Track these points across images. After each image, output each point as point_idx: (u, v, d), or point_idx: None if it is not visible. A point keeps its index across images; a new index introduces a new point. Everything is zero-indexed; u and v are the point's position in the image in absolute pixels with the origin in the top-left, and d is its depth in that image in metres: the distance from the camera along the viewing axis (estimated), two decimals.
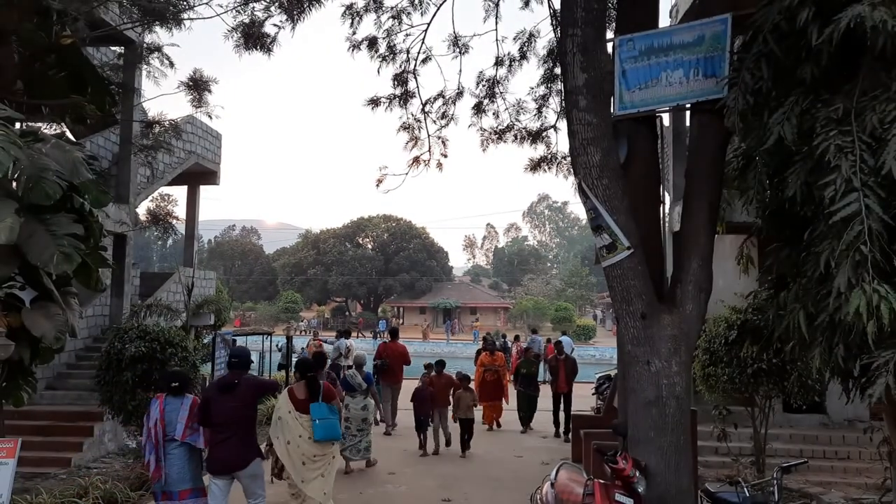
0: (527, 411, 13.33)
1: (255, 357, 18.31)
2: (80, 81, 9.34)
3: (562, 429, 12.61)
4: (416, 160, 11.34)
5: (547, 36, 14.84)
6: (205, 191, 24.40)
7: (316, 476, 7.06)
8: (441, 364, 11.76)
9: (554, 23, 9.80)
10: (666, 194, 9.33)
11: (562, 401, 12.70)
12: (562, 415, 12.67)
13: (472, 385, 12.11)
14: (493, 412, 13.48)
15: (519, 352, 19.97)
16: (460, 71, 13.32)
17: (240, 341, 16.65)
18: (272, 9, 9.63)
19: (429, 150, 11.39)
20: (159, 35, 11.13)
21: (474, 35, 11.09)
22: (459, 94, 11.46)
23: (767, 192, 4.99)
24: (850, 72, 4.34)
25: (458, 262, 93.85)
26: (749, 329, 7.47)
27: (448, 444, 11.16)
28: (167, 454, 6.04)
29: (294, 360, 17.69)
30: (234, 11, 9.68)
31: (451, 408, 11.41)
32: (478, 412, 12.76)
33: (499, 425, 13.48)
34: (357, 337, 17.65)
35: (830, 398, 10.07)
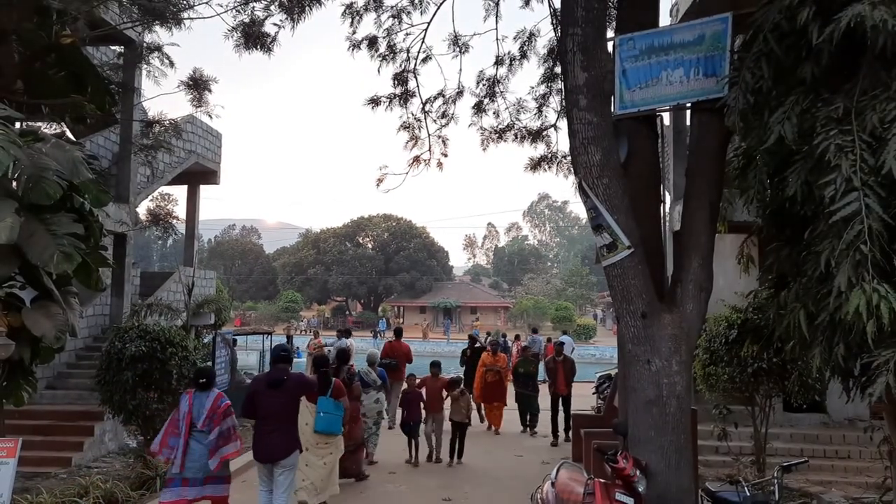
0: (526, 412, 13.06)
1: (254, 357, 18.36)
2: (80, 81, 9.34)
3: (561, 427, 12.28)
4: (417, 159, 11.33)
5: (547, 35, 14.90)
6: (205, 190, 24.41)
7: (318, 463, 7.71)
8: (436, 365, 10.92)
9: (554, 22, 9.79)
10: (666, 193, 9.33)
11: (560, 403, 12.37)
12: (561, 415, 12.33)
13: (463, 387, 11.10)
14: (496, 413, 13.18)
15: (519, 351, 19.91)
16: (460, 70, 13.37)
17: (240, 341, 16.67)
18: (272, 8, 9.63)
19: (429, 150, 11.40)
20: (159, 34, 11.12)
21: (474, 34, 11.10)
22: (460, 93, 11.46)
23: (768, 192, 4.99)
24: (851, 71, 4.34)
25: (459, 261, 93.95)
26: (749, 328, 7.48)
27: (434, 458, 10.35)
28: (197, 443, 6.49)
29: (295, 359, 17.73)
30: (234, 11, 9.69)
31: (446, 412, 10.62)
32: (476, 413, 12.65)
33: (497, 433, 13.10)
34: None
35: (831, 397, 10.06)
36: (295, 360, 17.49)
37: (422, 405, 10.37)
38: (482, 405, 13.45)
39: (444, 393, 10.73)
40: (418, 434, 10.29)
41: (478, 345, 14.76)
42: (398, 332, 14.19)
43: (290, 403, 6.69)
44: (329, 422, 7.66)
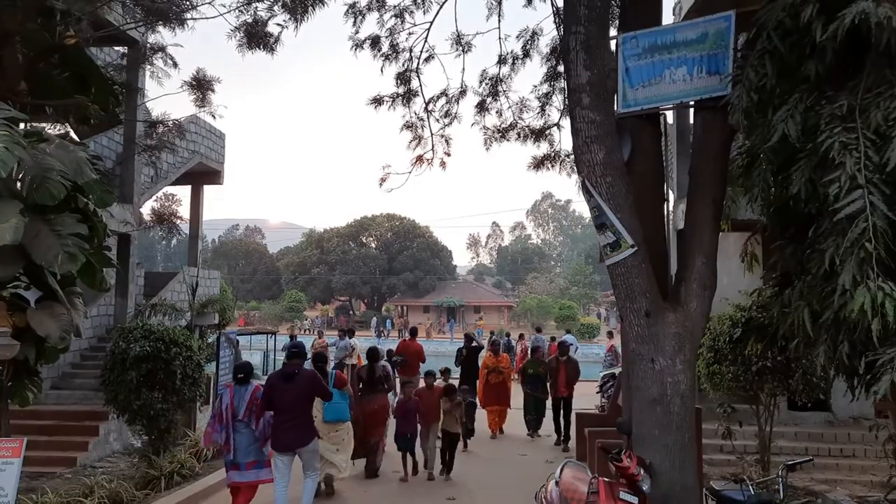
0: (534, 414, 12.67)
1: (258, 357, 18.39)
2: (84, 82, 9.38)
3: (562, 436, 11.98)
4: (420, 159, 11.32)
5: (550, 34, 14.91)
6: (209, 190, 24.45)
7: (332, 448, 8.29)
8: (430, 375, 10.08)
9: (557, 21, 9.79)
10: (670, 192, 9.31)
11: (561, 406, 12.03)
12: (562, 421, 12.01)
13: (460, 396, 10.15)
14: (498, 418, 12.92)
15: (524, 350, 19.82)
16: (463, 69, 13.28)
17: (243, 341, 16.70)
18: (275, 8, 9.65)
19: (432, 149, 11.39)
20: (163, 35, 11.14)
21: (477, 33, 11.09)
22: (462, 92, 11.45)
23: (772, 190, 4.98)
24: (855, 68, 4.33)
25: (462, 260, 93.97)
26: (753, 327, 7.47)
27: (426, 465, 9.55)
28: (236, 432, 6.96)
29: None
30: (237, 11, 9.71)
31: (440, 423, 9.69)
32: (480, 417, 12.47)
33: (501, 431, 12.93)
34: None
35: (835, 396, 10.04)
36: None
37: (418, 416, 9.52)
38: (485, 409, 13.00)
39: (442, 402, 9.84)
40: (414, 448, 9.48)
41: (474, 344, 14.28)
42: (413, 332, 14.39)
43: (303, 395, 7.10)
44: (337, 410, 8.27)
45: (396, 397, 11.20)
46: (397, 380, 12.11)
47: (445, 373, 12.18)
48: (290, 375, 7.10)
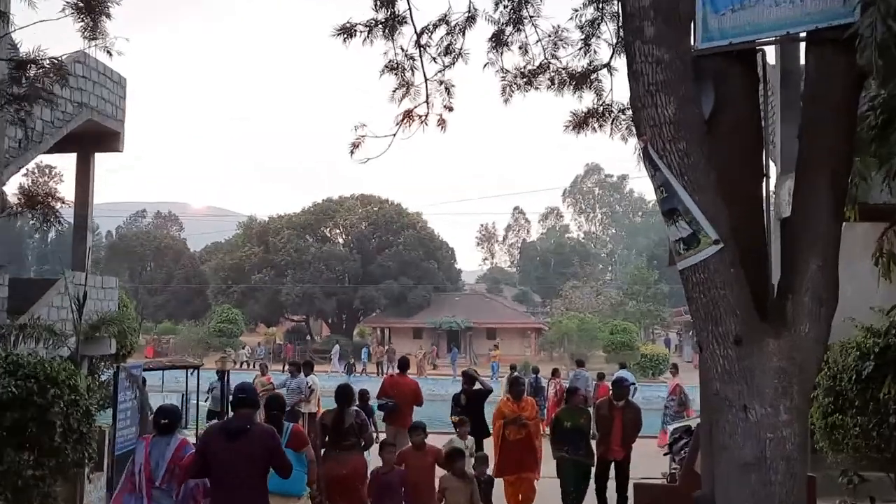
0: (575, 489, 12.06)
1: (175, 400, 18.48)
2: None
3: None
4: (409, 115, 11.30)
5: None
6: (102, 160, 24.45)
7: None
8: (419, 430, 9.81)
9: None
10: (771, 164, 9.33)
11: (612, 470, 11.92)
12: (614, 494, 11.85)
13: (469, 468, 9.94)
14: (522, 491, 12.48)
15: (558, 393, 19.86)
16: None
17: (152, 379, 16.71)
18: None
19: (426, 101, 11.38)
20: None
21: None
22: (470, 18, 11.42)
23: None
24: None
25: (470, 262, 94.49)
26: (892, 359, 7.48)
27: None
28: (153, 503, 7.09)
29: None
30: None
31: None
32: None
33: None
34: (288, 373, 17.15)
35: None
36: None
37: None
38: (502, 479, 12.56)
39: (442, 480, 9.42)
40: None
41: (478, 387, 14.00)
42: (403, 366, 14.75)
43: (256, 460, 6.92)
44: (289, 479, 7.77)
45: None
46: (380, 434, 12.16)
47: (461, 425, 11.90)
48: (237, 432, 6.90)
